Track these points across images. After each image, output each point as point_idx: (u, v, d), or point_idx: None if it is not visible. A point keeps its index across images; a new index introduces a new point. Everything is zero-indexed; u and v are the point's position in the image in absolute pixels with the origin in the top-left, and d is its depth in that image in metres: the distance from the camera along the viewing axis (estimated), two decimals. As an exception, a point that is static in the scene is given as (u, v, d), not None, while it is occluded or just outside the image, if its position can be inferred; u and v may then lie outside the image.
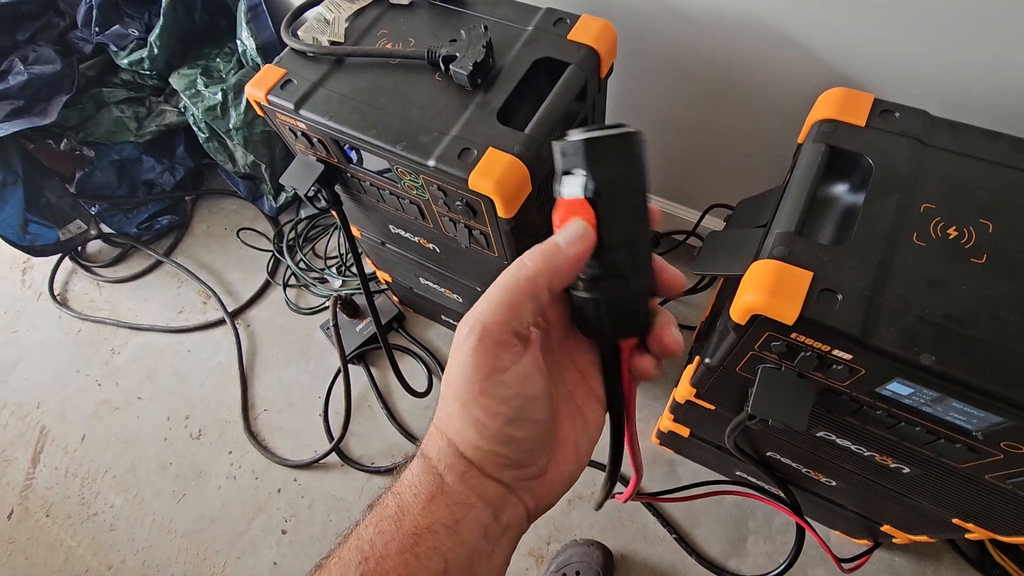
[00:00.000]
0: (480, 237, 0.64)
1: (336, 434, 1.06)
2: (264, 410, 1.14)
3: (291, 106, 0.61)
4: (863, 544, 0.88)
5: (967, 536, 0.63)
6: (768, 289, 0.44)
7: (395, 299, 1.17)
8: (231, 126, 1.14)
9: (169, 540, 1.03)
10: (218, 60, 1.17)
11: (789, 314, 0.43)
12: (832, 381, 0.48)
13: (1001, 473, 0.47)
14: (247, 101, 1.12)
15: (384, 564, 0.23)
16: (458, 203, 0.58)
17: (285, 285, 1.26)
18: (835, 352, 0.44)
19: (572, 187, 0.25)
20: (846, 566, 0.79)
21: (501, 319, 0.24)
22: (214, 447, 1.11)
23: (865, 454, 0.58)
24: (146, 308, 1.29)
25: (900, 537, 0.76)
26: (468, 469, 0.25)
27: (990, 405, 0.40)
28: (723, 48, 0.71)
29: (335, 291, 1.23)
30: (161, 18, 1.09)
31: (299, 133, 0.65)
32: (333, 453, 1.06)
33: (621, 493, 0.53)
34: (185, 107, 1.19)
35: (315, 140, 0.65)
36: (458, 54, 0.58)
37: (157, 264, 1.34)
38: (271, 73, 0.63)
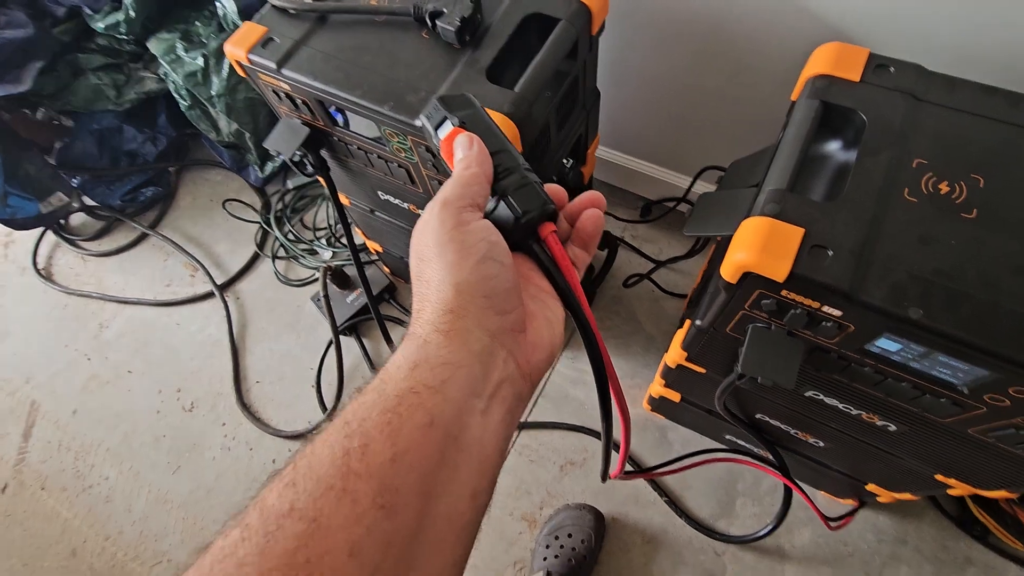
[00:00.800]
0: (470, 201, 0.63)
1: (330, 405, 1.07)
2: (256, 382, 1.14)
3: (273, 65, 0.59)
4: (848, 504, 0.90)
5: (949, 492, 0.64)
6: (759, 246, 0.44)
7: (386, 270, 1.16)
8: (213, 93, 1.11)
9: (166, 511, 1.04)
10: (198, 23, 1.13)
11: (780, 271, 0.43)
12: (821, 338, 0.48)
13: (984, 427, 0.48)
14: (229, 66, 1.09)
15: (365, 425, 0.23)
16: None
17: (274, 257, 1.24)
18: (824, 309, 0.44)
19: (445, 128, 0.33)
20: (833, 524, 0.81)
21: (460, 193, 0.29)
22: (207, 419, 1.11)
23: (852, 413, 0.59)
24: (133, 282, 1.27)
25: (884, 495, 0.78)
26: (452, 321, 0.26)
27: (976, 359, 0.41)
28: (716, 3, 0.69)
29: (325, 263, 1.22)
30: (136, -21, 1.04)
31: (283, 95, 0.63)
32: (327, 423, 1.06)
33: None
34: (165, 73, 1.15)
35: (299, 102, 0.63)
36: (445, 10, 0.56)
37: (143, 237, 1.32)
38: (251, 31, 0.61)
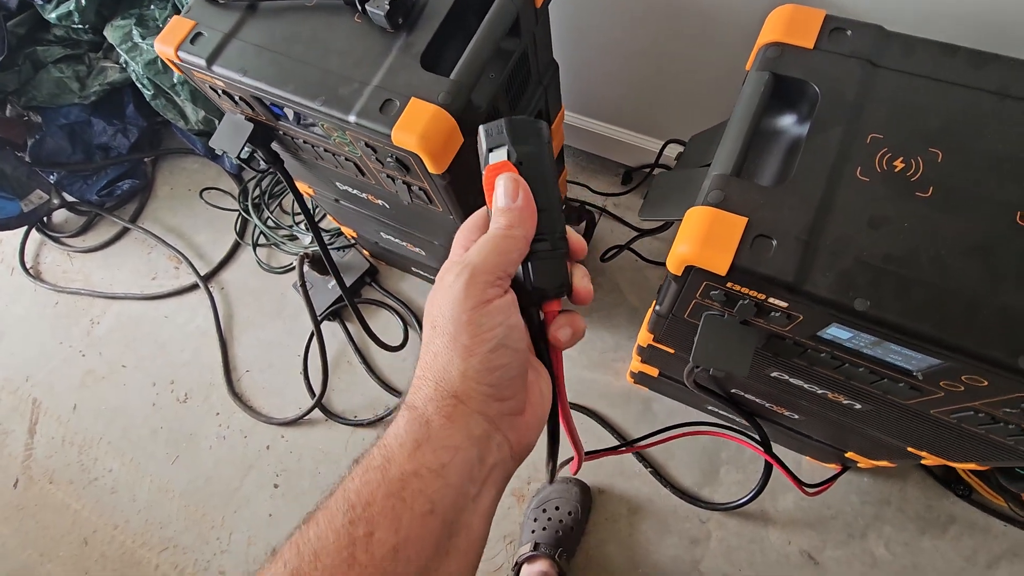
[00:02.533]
0: (420, 192, 0.61)
1: (317, 391, 1.08)
2: (246, 371, 1.15)
3: (203, 62, 0.56)
4: (832, 468, 0.90)
5: (923, 462, 0.64)
6: (701, 239, 0.42)
7: (366, 252, 1.15)
8: (176, 80, 1.08)
9: (168, 499, 1.07)
10: (152, 7, 1.09)
11: (721, 264, 0.41)
12: (773, 326, 0.46)
13: (944, 409, 0.47)
14: (187, 53, 1.05)
15: (371, 510, 0.24)
16: (389, 160, 0.55)
17: (255, 245, 1.24)
18: (771, 300, 0.42)
19: (499, 154, 0.30)
20: (810, 491, 0.82)
21: (492, 264, 0.27)
22: (201, 410, 1.13)
23: (818, 392, 0.58)
24: (119, 276, 1.27)
25: (864, 462, 0.78)
26: (455, 406, 0.26)
27: (925, 348, 0.39)
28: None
29: (305, 248, 1.21)
30: (81, -36, 1.00)
31: (220, 91, 0.61)
32: (316, 409, 1.08)
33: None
34: (125, 63, 1.12)
35: (238, 98, 0.61)
36: (374, -9, 0.53)
37: (125, 231, 1.31)
38: (180, 26, 0.58)
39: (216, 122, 1.16)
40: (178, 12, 1.07)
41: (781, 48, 0.46)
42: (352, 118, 0.51)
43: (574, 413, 0.98)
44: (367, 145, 0.55)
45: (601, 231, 1.10)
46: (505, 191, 0.28)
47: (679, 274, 0.45)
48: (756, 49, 0.49)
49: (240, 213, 1.26)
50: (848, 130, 0.43)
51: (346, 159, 0.62)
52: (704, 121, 0.78)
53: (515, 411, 0.28)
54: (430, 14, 0.54)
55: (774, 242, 0.40)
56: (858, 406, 0.56)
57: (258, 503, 1.04)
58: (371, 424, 1.07)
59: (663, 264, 1.05)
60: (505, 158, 0.30)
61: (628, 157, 1.05)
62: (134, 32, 1.07)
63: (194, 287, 1.23)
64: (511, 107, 0.63)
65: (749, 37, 0.67)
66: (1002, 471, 0.82)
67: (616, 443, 0.98)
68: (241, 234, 1.26)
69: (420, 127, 0.49)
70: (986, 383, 0.39)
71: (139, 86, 1.13)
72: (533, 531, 0.92)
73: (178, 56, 0.58)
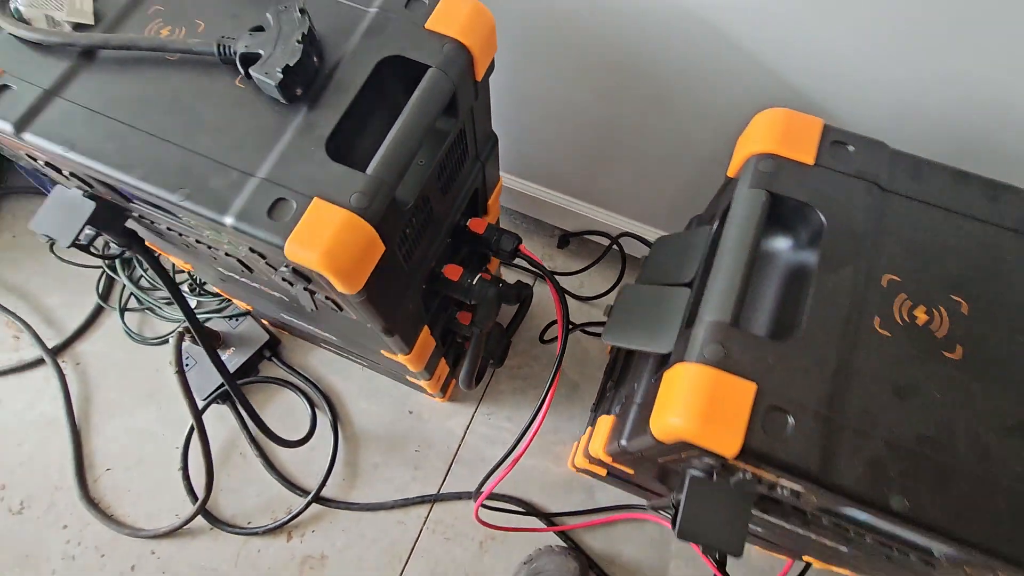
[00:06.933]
0: (328, 301, 0.47)
1: (200, 493, 0.88)
2: (107, 469, 0.93)
3: (9, 127, 0.40)
4: (783, 560, 0.85)
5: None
6: (702, 410, 0.32)
7: (265, 322, 0.98)
8: (12, 112, 0.86)
9: (-10, 648, 0.83)
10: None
11: (729, 445, 0.32)
12: (775, 495, 0.38)
13: (957, 581, 0.40)
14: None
15: None
16: (284, 269, 0.42)
17: (123, 310, 1.02)
18: (783, 481, 0.34)
19: None
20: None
21: None
22: (43, 522, 0.89)
23: (801, 532, 0.51)
24: (-69, 350, 1.00)
25: (818, 564, 0.73)
26: None
27: (966, 550, 0.32)
28: (629, 33, 0.56)
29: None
30: None
31: (40, 161, 0.44)
32: (199, 516, 0.88)
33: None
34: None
35: (67, 173, 0.44)
36: (262, 51, 0.39)
37: (-57, 290, 1.04)
38: (-24, 73, 0.41)
39: (72, 161, 0.94)
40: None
41: (777, 162, 0.38)
42: (229, 220, 0.37)
43: (506, 506, 0.87)
44: (252, 250, 0.41)
45: (538, 297, 1.01)
46: None
47: (667, 443, 0.35)
48: (742, 153, 0.41)
49: (104, 270, 1.04)
50: (861, 269, 0.35)
51: (226, 254, 0.47)
52: (651, 197, 0.70)
53: None
54: (340, 85, 0.41)
55: (790, 418, 0.32)
56: (844, 549, 0.50)
57: (117, 645, 0.83)
58: (269, 531, 0.89)
59: (598, 331, 0.98)
60: None
61: (566, 221, 0.97)
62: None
63: (39, 363, 0.98)
64: (444, 191, 0.52)
65: (714, 123, 0.60)
66: None
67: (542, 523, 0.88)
68: (105, 296, 1.03)
69: (325, 240, 0.36)
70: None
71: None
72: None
73: (-29, 116, 0.41)
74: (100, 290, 1.03)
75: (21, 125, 0.40)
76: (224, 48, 0.40)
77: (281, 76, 0.38)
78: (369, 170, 0.39)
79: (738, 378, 0.33)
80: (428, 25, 0.43)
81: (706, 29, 0.51)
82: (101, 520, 0.89)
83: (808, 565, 0.85)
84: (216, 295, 1.01)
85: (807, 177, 0.38)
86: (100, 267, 1.04)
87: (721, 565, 0.69)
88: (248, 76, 0.40)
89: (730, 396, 0.32)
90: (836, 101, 0.50)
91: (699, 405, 0.32)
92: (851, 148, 0.39)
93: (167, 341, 1.00)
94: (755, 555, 0.88)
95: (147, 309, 1.03)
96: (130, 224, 0.53)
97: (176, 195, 0.38)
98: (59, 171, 0.45)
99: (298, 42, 0.39)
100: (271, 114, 0.41)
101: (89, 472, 0.93)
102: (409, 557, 0.88)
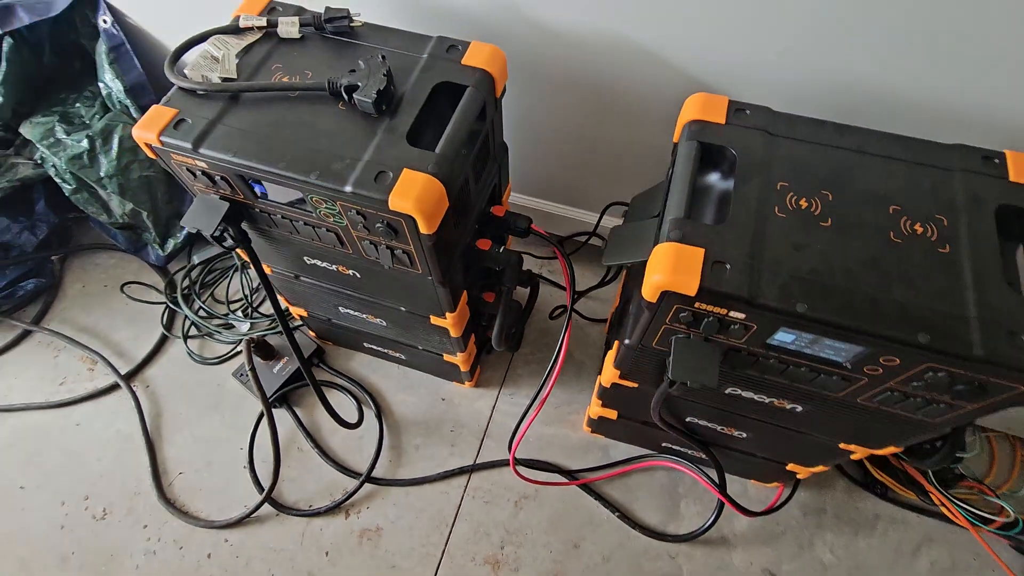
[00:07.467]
0: (403, 256, 0.65)
1: (266, 484, 1.01)
2: (180, 473, 1.05)
3: (189, 146, 0.59)
4: (775, 487, 1.00)
5: (852, 457, 0.75)
6: (671, 268, 0.50)
7: (311, 334, 1.14)
8: (103, 174, 1.06)
9: (82, 640, 0.91)
10: (78, 105, 1.08)
11: (691, 286, 0.50)
12: (732, 339, 0.55)
13: (868, 394, 0.58)
14: (119, 146, 1.05)
15: None
16: (379, 225, 0.60)
17: (186, 337, 1.17)
18: (731, 314, 0.52)
19: None
20: (751, 513, 0.91)
21: None
22: (124, 524, 1.00)
23: (765, 401, 0.67)
24: (18, 385, 1.13)
25: (802, 471, 0.88)
26: None
27: (851, 338, 0.49)
28: (599, 65, 0.79)
29: (244, 335, 1.17)
30: (4, 63, 0.98)
31: (199, 172, 0.63)
32: (266, 504, 1.00)
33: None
34: (43, 158, 1.08)
35: (217, 178, 0.63)
36: (360, 83, 0.60)
37: (25, 335, 1.19)
38: (161, 114, 0.61)
39: (144, 215, 1.13)
40: (108, 109, 1.08)
41: (701, 124, 0.59)
42: (348, 188, 0.56)
43: (535, 468, 1.01)
44: (358, 213, 0.59)
45: (542, 292, 1.19)
46: None
47: (654, 300, 0.53)
48: (680, 126, 0.62)
49: (167, 305, 1.20)
50: (763, 181, 0.55)
51: (327, 230, 0.66)
52: (626, 191, 0.91)
53: None
54: (409, 101, 0.62)
55: (728, 266, 0.50)
56: (799, 408, 0.66)
57: (200, 624, 0.92)
58: (329, 511, 1.01)
59: (601, 320, 1.16)
60: None
61: (560, 228, 1.17)
62: (57, 128, 1.04)
63: (113, 388, 1.13)
64: (476, 179, 0.71)
65: (663, 122, 0.83)
66: (911, 454, 0.96)
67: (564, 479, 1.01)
68: (168, 327, 1.19)
69: (415, 192, 0.55)
70: (898, 361, 0.50)
71: (59, 181, 1.08)
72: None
73: (160, 141, 0.60)
74: (164, 323, 1.19)
75: (197, 143, 0.59)
76: (332, 84, 0.61)
77: (376, 96, 0.59)
78: (437, 150, 0.58)
79: (692, 247, 0.51)
80: (464, 61, 0.64)
81: (644, 53, 0.74)
82: (177, 516, 1.00)
83: (797, 483, 0.99)
84: (268, 315, 1.17)
85: (722, 131, 0.58)
86: (163, 303, 1.21)
87: (721, 487, 0.83)
88: (350, 100, 0.60)
89: (688, 258, 0.51)
90: (738, 85, 0.74)
91: (669, 266, 0.51)
92: (748, 112, 0.60)
93: (226, 359, 1.15)
94: (751, 488, 1.02)
95: (206, 335, 1.18)
96: (244, 225, 0.72)
97: (311, 176, 0.57)
98: (210, 178, 0.64)
99: (384, 75, 0.60)
100: (367, 123, 0.61)
101: (164, 477, 1.05)
102: (454, 521, 1.00)
